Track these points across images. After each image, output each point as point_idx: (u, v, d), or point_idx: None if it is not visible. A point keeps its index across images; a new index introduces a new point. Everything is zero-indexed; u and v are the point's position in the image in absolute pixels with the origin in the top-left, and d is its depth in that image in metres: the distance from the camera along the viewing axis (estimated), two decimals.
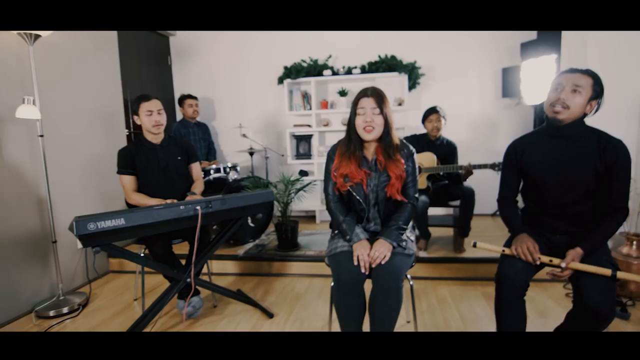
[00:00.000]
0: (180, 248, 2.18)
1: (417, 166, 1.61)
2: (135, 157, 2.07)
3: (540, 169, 1.46)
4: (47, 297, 2.37)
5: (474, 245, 1.52)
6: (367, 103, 1.51)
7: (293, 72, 3.71)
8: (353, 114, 1.56)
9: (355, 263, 1.42)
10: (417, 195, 1.62)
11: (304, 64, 3.75)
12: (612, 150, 1.35)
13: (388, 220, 1.57)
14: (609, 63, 2.24)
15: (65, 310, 2.23)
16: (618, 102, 2.24)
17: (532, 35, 3.36)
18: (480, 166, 2.44)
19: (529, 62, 3.13)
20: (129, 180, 2.07)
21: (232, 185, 3.03)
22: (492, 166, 2.40)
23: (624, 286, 2.11)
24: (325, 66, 3.74)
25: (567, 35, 2.45)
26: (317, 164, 3.84)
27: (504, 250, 1.46)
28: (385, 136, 1.53)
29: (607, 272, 1.27)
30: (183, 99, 3.62)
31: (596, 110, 1.40)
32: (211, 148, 3.80)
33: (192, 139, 3.60)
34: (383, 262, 1.41)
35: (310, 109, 3.82)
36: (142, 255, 2.06)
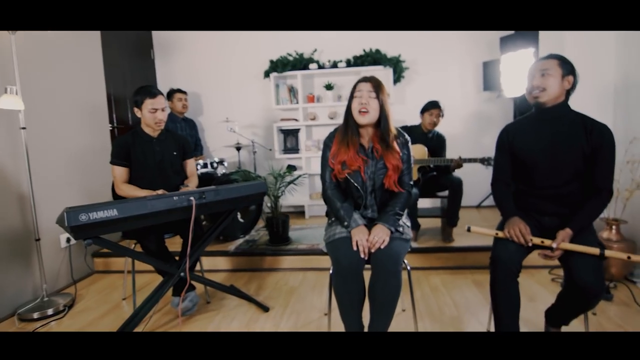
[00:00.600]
0: (171, 244, 2.13)
1: (412, 154, 1.64)
2: (131, 149, 2.01)
3: (531, 151, 1.51)
4: (30, 299, 2.26)
5: (468, 230, 1.56)
6: (365, 86, 1.52)
7: (279, 65, 3.69)
8: (350, 99, 1.56)
9: (355, 248, 1.43)
10: (412, 182, 1.64)
11: (290, 58, 3.74)
12: (598, 134, 1.41)
13: (384, 207, 1.59)
14: (585, 55, 2.34)
15: (50, 312, 2.14)
16: (593, 91, 2.35)
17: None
18: (470, 160, 2.50)
19: (508, 55, 3.23)
20: (121, 172, 2.01)
21: (221, 180, 2.98)
22: (482, 160, 2.45)
23: (606, 269, 2.20)
24: (311, 60, 3.73)
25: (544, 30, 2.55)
26: (305, 159, 3.83)
27: (497, 234, 1.50)
28: (382, 123, 1.54)
29: (596, 251, 1.33)
30: (172, 93, 3.54)
31: (574, 86, 1.46)
32: (198, 144, 3.73)
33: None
34: (382, 247, 1.42)
35: (297, 102, 3.80)
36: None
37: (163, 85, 4.07)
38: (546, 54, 1.51)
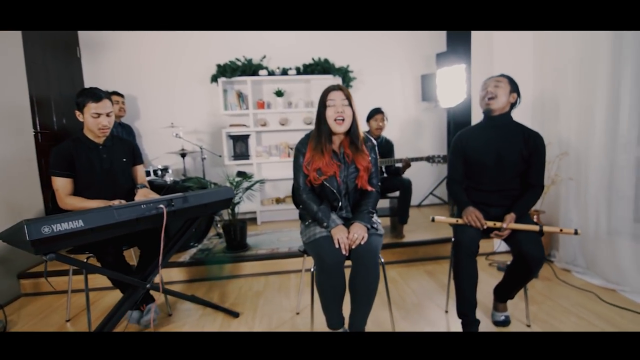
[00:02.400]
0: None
1: (377, 157, 1.78)
2: (75, 157, 1.83)
3: (480, 154, 1.77)
4: None
5: (432, 220, 1.76)
6: (337, 95, 1.62)
7: (228, 70, 3.63)
8: (322, 107, 1.64)
9: (337, 246, 1.52)
10: (379, 183, 1.79)
11: (239, 63, 3.71)
12: (533, 140, 1.73)
13: (357, 207, 1.70)
14: (509, 71, 2.75)
15: None
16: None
17: (444, 47, 3.91)
18: (417, 159, 2.76)
19: (443, 70, 3.62)
20: (63, 183, 1.81)
21: (173, 188, 2.84)
22: (427, 159, 2.73)
23: None
24: (260, 66, 3.75)
25: (476, 48, 2.94)
26: (256, 164, 3.81)
27: (457, 221, 1.72)
28: (353, 129, 1.66)
29: (536, 228, 1.62)
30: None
31: (519, 103, 1.76)
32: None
33: None
34: (362, 243, 1.53)
35: (247, 108, 3.78)
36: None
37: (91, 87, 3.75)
38: (497, 73, 1.82)
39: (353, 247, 1.53)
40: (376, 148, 1.76)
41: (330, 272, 1.50)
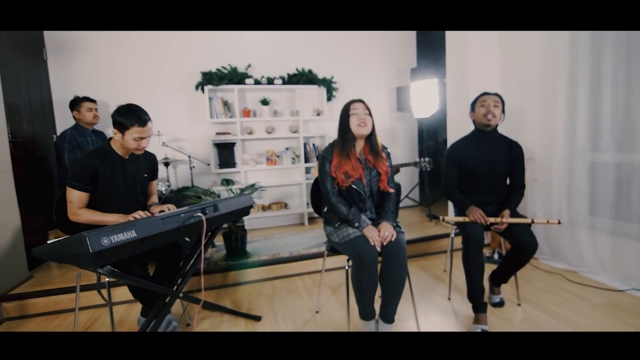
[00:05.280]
0: None
1: (392, 163, 1.99)
2: (100, 173, 1.77)
3: (475, 162, 2.06)
4: None
5: (442, 220, 2.00)
6: (359, 106, 1.83)
7: (215, 78, 3.64)
8: (345, 117, 1.84)
9: (372, 244, 1.69)
10: (394, 186, 1.99)
11: (225, 71, 3.74)
12: (516, 148, 2.07)
13: (381, 208, 1.89)
14: (479, 85, 3.15)
15: None
16: None
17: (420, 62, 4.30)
18: (406, 164, 3.03)
19: (417, 83, 3.97)
20: (80, 197, 1.75)
21: (171, 198, 2.81)
22: (415, 164, 3.02)
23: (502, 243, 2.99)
24: (246, 75, 3.81)
25: (451, 64, 3.31)
26: (243, 172, 3.85)
27: (464, 219, 1.98)
28: (373, 136, 1.86)
29: (528, 220, 1.93)
30: (79, 101, 3.09)
31: (503, 119, 2.08)
32: None
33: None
34: (393, 240, 1.72)
35: (234, 117, 3.81)
36: (107, 280, 1.77)
37: (59, 92, 3.54)
38: (492, 91, 2.11)
39: (384, 244, 1.71)
40: (390, 155, 1.97)
41: (368, 267, 1.66)
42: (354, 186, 1.82)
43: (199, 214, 1.70)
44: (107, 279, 1.72)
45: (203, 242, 1.73)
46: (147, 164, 2.01)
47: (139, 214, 1.74)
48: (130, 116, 1.74)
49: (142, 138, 1.77)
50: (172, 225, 1.59)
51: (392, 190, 1.90)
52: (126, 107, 1.77)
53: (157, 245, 1.57)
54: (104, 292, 1.74)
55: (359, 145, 1.87)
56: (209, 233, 2.01)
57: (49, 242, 1.42)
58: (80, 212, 1.75)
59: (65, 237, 1.37)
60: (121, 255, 1.42)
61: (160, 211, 1.82)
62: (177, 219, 1.62)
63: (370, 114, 1.84)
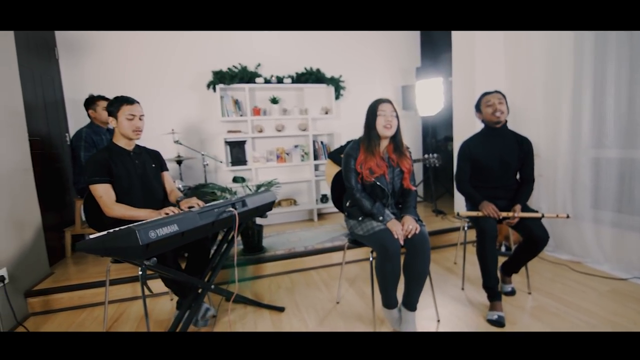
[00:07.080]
0: None
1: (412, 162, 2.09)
2: (112, 164, 1.88)
3: (486, 158, 2.16)
4: None
5: (458, 215, 2.10)
6: (387, 107, 1.91)
7: (227, 77, 3.71)
8: (372, 116, 1.92)
9: (396, 237, 1.79)
10: (415, 184, 2.09)
11: (236, 70, 3.80)
12: (525, 144, 2.17)
13: (402, 204, 1.99)
14: (487, 87, 3.26)
15: None
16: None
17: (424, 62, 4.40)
18: (416, 160, 3.12)
19: (422, 82, 4.08)
20: (106, 189, 1.84)
21: (188, 195, 2.86)
22: (424, 160, 3.12)
23: (509, 237, 3.11)
24: (256, 74, 3.88)
25: (457, 65, 3.41)
26: (254, 170, 3.92)
27: (478, 214, 2.08)
28: (398, 136, 1.95)
29: (539, 215, 2.03)
30: (94, 100, 3.14)
31: (507, 114, 2.17)
32: None
33: None
34: (417, 232, 1.82)
35: (245, 115, 3.88)
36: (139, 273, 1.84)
37: (70, 91, 3.58)
38: (492, 89, 2.21)
39: (409, 237, 1.81)
40: (411, 155, 2.06)
41: (392, 259, 1.76)
42: (377, 182, 1.91)
43: (231, 208, 1.78)
44: (139, 272, 1.80)
45: (236, 236, 1.81)
46: (152, 156, 2.13)
47: (171, 210, 1.81)
48: (118, 100, 1.92)
49: (133, 116, 1.91)
50: (208, 220, 1.67)
51: (414, 188, 1.99)
52: (115, 97, 1.96)
53: (194, 238, 1.65)
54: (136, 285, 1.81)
55: (383, 143, 1.96)
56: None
57: (91, 237, 1.49)
58: (114, 207, 1.83)
59: (111, 231, 1.44)
60: (164, 249, 1.50)
61: (190, 206, 1.90)
62: (212, 213, 1.71)
63: (397, 116, 1.92)
